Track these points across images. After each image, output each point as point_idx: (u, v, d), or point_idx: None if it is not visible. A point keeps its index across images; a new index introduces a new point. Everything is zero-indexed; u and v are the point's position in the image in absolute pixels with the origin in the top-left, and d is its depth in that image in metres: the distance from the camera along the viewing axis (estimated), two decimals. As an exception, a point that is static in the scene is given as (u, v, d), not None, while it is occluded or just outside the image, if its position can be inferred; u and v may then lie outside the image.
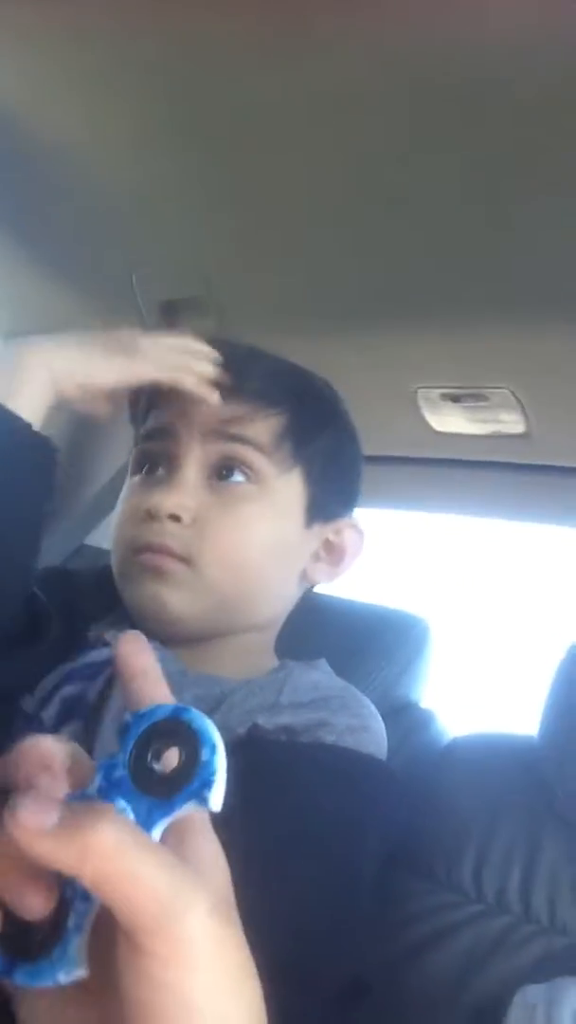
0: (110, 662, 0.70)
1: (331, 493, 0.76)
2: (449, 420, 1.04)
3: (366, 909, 0.59)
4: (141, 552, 0.70)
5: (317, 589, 1.00)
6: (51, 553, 0.79)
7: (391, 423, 1.07)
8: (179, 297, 1.00)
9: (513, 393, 0.96)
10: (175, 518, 0.69)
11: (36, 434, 0.65)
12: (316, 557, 0.77)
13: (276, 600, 0.76)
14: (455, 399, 1.00)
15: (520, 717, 0.80)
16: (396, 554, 1.28)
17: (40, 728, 0.67)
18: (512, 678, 1.25)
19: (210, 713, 0.63)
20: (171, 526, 0.69)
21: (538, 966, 0.57)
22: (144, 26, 0.68)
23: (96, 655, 0.71)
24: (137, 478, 0.75)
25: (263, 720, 0.62)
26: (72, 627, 0.73)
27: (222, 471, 0.71)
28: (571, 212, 0.74)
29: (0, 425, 0.63)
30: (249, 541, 0.71)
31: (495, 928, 0.62)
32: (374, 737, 0.66)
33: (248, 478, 0.71)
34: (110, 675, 0.68)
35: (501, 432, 1.02)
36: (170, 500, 0.69)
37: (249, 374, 0.72)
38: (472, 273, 0.84)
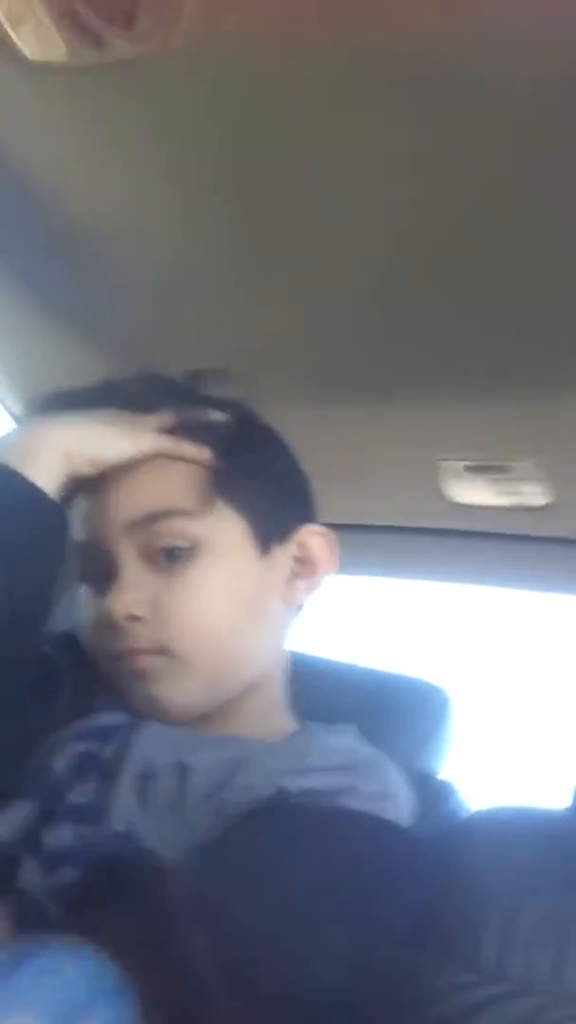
0: (123, 726, 0.70)
1: (273, 511, 0.74)
2: (470, 492, 1.04)
3: (382, 977, 0.57)
4: (118, 660, 0.69)
5: (337, 656, 0.99)
6: (62, 618, 0.79)
7: (411, 494, 1.07)
8: (203, 367, 1.02)
9: (537, 465, 0.96)
10: (133, 618, 0.68)
11: (51, 501, 0.66)
12: (291, 577, 0.75)
13: (268, 644, 0.75)
14: (478, 471, 1.01)
15: (540, 790, 0.78)
16: (416, 623, 1.28)
17: (52, 779, 0.67)
18: (533, 751, 1.23)
19: (231, 775, 0.62)
20: (133, 627, 0.68)
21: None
22: (193, 106, 0.71)
23: (108, 718, 0.71)
24: (85, 587, 0.74)
25: (288, 783, 0.61)
26: (83, 689, 0.73)
27: (158, 554, 0.70)
28: None
29: (16, 492, 0.64)
30: (212, 607, 0.70)
31: (520, 1010, 0.59)
32: (399, 805, 0.65)
33: (184, 547, 0.70)
34: (127, 737, 0.68)
35: (522, 504, 1.03)
36: (120, 603, 0.68)
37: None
38: (500, 346, 0.85)
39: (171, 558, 0.69)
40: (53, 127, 0.76)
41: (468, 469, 1.01)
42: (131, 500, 0.70)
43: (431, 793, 0.71)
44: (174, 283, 0.92)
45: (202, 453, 0.71)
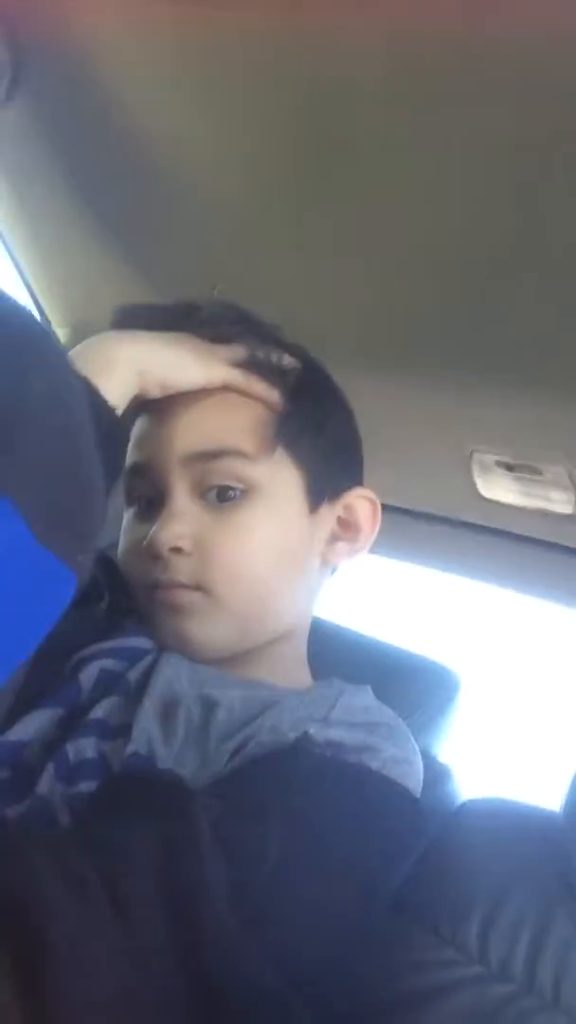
0: (150, 651, 0.71)
1: (330, 468, 0.74)
2: (498, 488, 1.04)
3: (373, 940, 0.58)
4: (153, 590, 0.70)
5: (354, 626, 0.99)
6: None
7: (440, 482, 1.07)
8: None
9: (569, 473, 0.96)
10: (177, 550, 0.68)
11: (117, 418, 0.64)
12: (332, 539, 0.75)
13: (301, 599, 0.75)
14: (509, 468, 1.00)
15: (536, 789, 0.79)
16: (435, 607, 1.28)
17: (77, 691, 0.67)
18: (534, 749, 1.24)
19: (257, 715, 0.62)
20: (175, 559, 0.68)
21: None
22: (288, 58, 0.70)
23: (137, 641, 0.71)
24: (131, 511, 0.74)
25: (314, 731, 0.61)
26: (115, 611, 0.73)
27: (211, 491, 0.69)
28: None
29: (89, 403, 0.63)
30: (257, 552, 0.70)
31: (497, 995, 0.61)
32: (415, 773, 0.66)
33: (238, 489, 0.69)
34: (153, 663, 0.69)
35: (548, 510, 1.03)
36: (166, 534, 0.68)
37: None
38: (547, 345, 0.85)
39: (223, 498, 0.69)
40: (147, 55, 0.75)
41: (498, 464, 1.01)
42: (193, 432, 0.69)
43: (430, 773, 0.72)
44: (236, 229, 0.92)
45: (272, 395, 0.70)
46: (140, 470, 0.72)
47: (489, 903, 0.65)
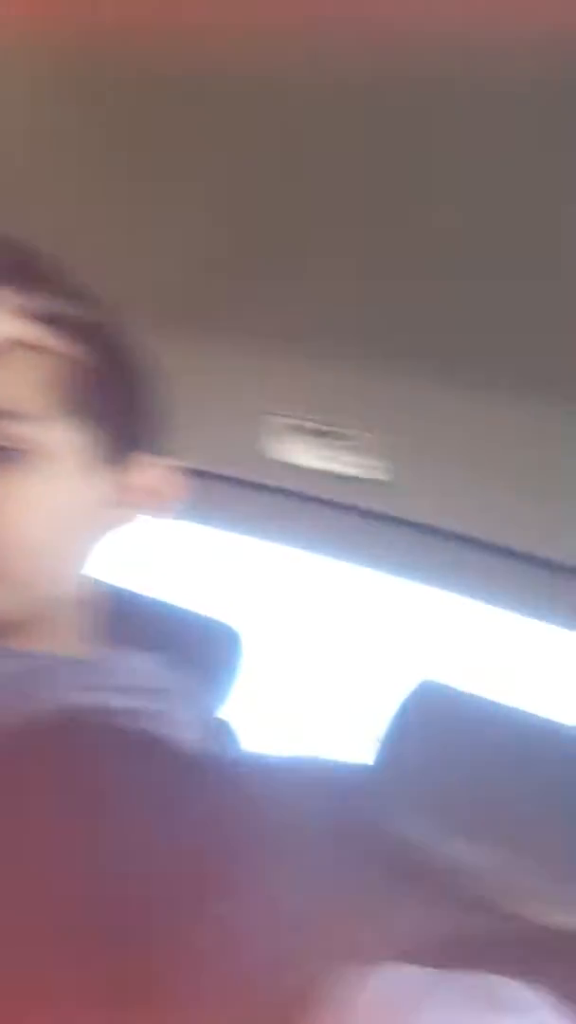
0: None
1: (124, 431, 0.69)
2: (293, 451, 1.05)
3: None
4: None
5: (134, 587, 0.97)
6: None
7: (233, 444, 1.07)
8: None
9: (359, 436, 0.97)
10: None
11: None
12: (125, 505, 0.70)
13: (79, 565, 0.71)
14: (303, 431, 1.01)
15: (318, 740, 0.80)
16: (220, 566, 1.28)
17: None
18: (331, 707, 1.26)
19: (32, 686, 0.58)
20: None
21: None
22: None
23: None
24: None
25: (91, 700, 0.58)
26: None
27: None
28: (443, 266, 0.76)
29: None
30: (34, 517, 0.64)
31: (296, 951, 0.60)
32: (199, 734, 0.64)
33: (15, 450, 0.63)
34: None
35: (338, 472, 1.04)
36: None
37: None
38: (340, 306, 0.86)
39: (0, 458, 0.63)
40: None
41: (292, 428, 1.02)
42: None
43: (209, 730, 0.71)
44: (21, 174, 0.87)
45: (68, 351, 0.65)
46: None
47: (287, 863, 0.64)
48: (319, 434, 1.01)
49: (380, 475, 1.02)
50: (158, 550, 1.22)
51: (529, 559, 1.00)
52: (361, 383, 0.93)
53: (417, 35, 0.61)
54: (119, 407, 0.69)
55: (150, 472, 0.72)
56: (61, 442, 0.65)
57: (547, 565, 0.99)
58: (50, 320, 0.65)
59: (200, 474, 1.10)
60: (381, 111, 0.68)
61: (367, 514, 1.08)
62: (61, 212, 0.89)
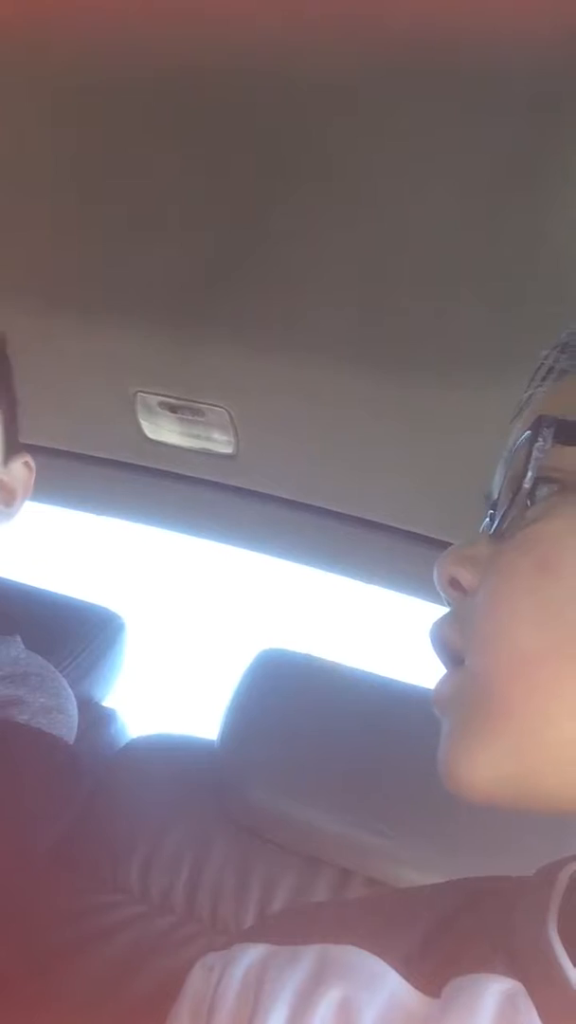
0: None
1: (12, 428, 0.72)
2: (163, 429, 1.04)
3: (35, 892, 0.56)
4: None
5: (9, 574, 0.94)
6: None
7: (106, 424, 1.05)
8: None
9: (228, 413, 0.97)
10: None
11: None
12: None
13: None
14: (172, 409, 1.00)
15: (204, 722, 0.81)
16: (96, 550, 1.26)
17: None
18: (200, 683, 1.27)
19: None
20: None
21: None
22: None
23: None
24: None
25: None
26: None
27: None
28: (300, 249, 0.77)
29: None
30: None
31: (158, 927, 0.61)
32: (68, 720, 0.64)
33: None
34: None
35: (211, 450, 1.04)
36: None
37: None
38: (199, 286, 0.85)
39: None
40: None
41: (162, 405, 1.01)
42: None
43: (92, 717, 0.71)
44: None
45: None
46: None
47: (150, 841, 0.65)
48: (173, 408, 1.01)
49: (228, 449, 1.02)
50: (35, 536, 1.19)
51: (371, 526, 1.02)
52: (215, 360, 0.94)
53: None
54: (8, 405, 0.69)
55: (15, 471, 0.72)
56: None
57: (389, 532, 1.01)
58: None
59: (74, 456, 1.08)
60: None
61: (216, 486, 1.08)
62: None
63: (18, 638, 0.69)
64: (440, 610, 0.40)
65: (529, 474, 0.36)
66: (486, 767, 0.34)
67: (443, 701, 0.37)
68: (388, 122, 0.63)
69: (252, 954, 0.40)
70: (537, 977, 0.35)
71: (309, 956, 0.38)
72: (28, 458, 0.73)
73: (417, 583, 1.05)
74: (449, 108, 0.61)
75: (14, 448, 0.72)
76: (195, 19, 0.61)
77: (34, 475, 0.74)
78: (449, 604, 0.39)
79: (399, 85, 0.61)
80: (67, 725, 0.64)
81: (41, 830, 0.59)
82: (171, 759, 0.74)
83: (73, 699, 0.66)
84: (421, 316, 0.80)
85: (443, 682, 0.38)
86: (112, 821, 0.68)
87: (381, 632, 1.20)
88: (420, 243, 0.75)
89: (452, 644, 0.37)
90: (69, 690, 0.66)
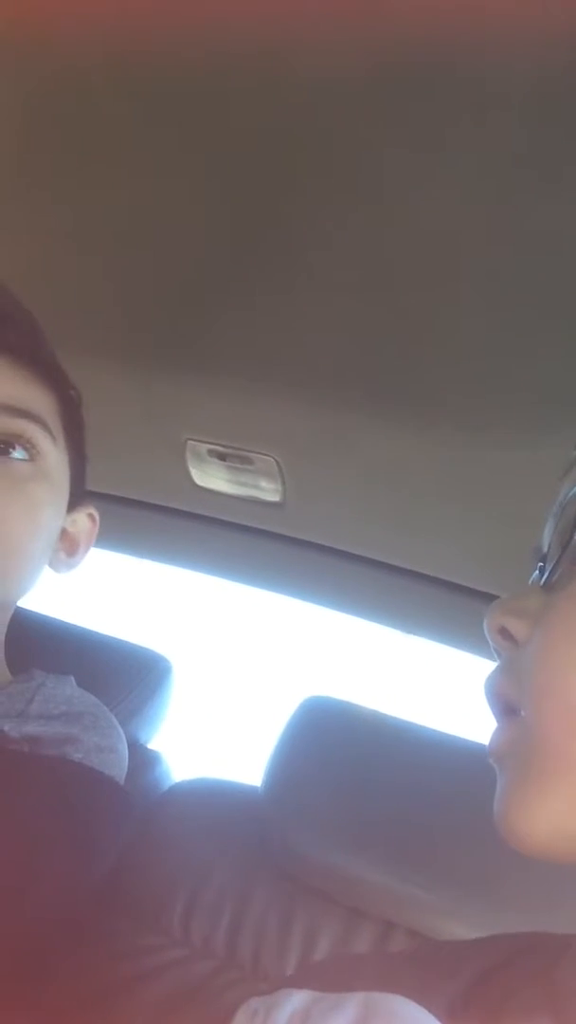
0: None
1: (81, 480, 0.75)
2: (212, 477, 1.06)
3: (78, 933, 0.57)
4: None
5: (62, 615, 0.96)
6: None
7: (155, 470, 1.07)
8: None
9: (276, 461, 0.99)
10: None
11: None
12: (57, 545, 0.74)
13: (26, 587, 0.72)
14: (221, 457, 1.02)
15: (247, 767, 0.81)
16: (145, 593, 1.28)
17: None
18: (244, 728, 1.27)
19: None
20: None
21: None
22: None
23: None
24: None
25: (9, 728, 0.59)
26: None
27: (2, 447, 0.66)
28: (336, 304, 0.79)
29: None
30: (36, 525, 0.67)
31: (200, 971, 0.62)
32: (119, 760, 0.65)
33: (30, 458, 0.67)
34: None
35: (258, 498, 1.06)
36: None
37: (24, 336, 0.70)
38: (251, 336, 0.88)
39: (12, 456, 0.66)
40: None
41: (211, 452, 1.03)
42: (5, 384, 0.67)
43: (138, 760, 0.72)
44: None
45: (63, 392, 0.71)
46: None
47: (192, 885, 0.66)
48: (221, 456, 1.03)
49: (275, 497, 1.04)
50: (87, 579, 1.21)
51: (417, 577, 1.03)
52: (259, 407, 0.96)
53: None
54: (80, 454, 0.73)
55: (81, 522, 0.75)
56: (59, 467, 0.69)
57: (435, 583, 1.02)
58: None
59: (123, 501, 1.11)
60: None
61: (263, 534, 1.10)
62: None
63: (71, 678, 0.70)
64: (481, 662, 0.41)
65: None
66: (544, 820, 0.35)
67: (499, 753, 0.38)
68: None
69: (296, 1000, 0.40)
70: None
71: (353, 1003, 0.39)
72: (92, 510, 0.76)
73: (461, 635, 1.05)
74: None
75: (79, 499, 0.75)
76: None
77: (97, 527, 0.77)
78: (498, 656, 0.40)
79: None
80: (119, 765, 0.65)
81: (93, 866, 0.60)
82: (215, 804, 0.74)
83: (124, 739, 0.67)
84: (467, 375, 0.81)
85: (499, 734, 0.38)
86: (155, 864, 0.68)
87: (425, 683, 1.20)
88: (472, 312, 0.77)
89: (506, 696, 0.38)
90: (120, 730, 0.67)
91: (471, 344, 0.80)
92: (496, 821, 0.36)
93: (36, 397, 0.69)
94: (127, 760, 0.67)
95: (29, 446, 0.67)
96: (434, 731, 0.78)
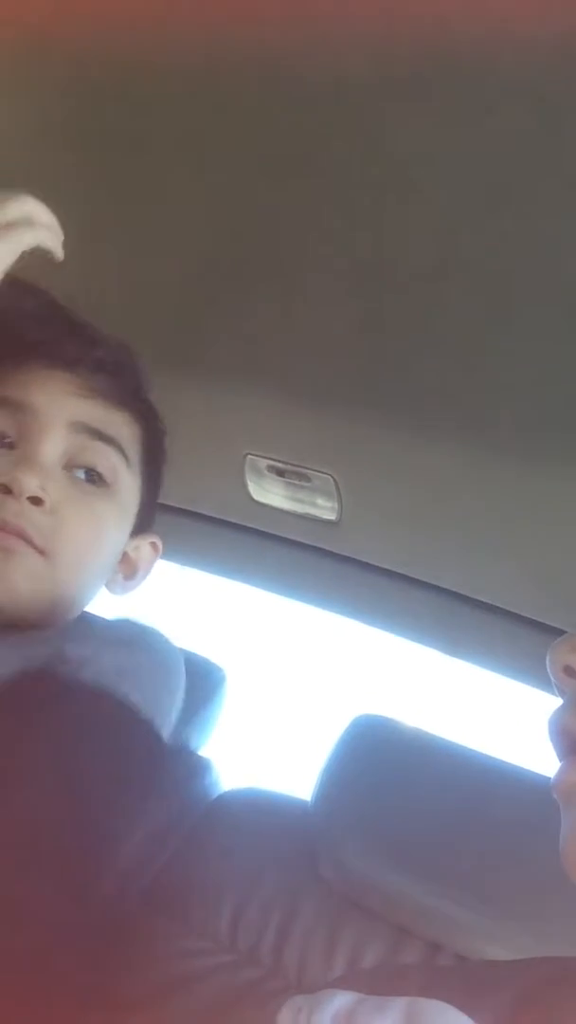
0: None
1: (151, 506, 0.78)
2: (269, 492, 1.07)
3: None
4: None
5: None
6: None
7: (214, 484, 1.09)
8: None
9: (334, 479, 1.00)
10: (36, 501, 0.66)
11: None
12: (117, 567, 0.78)
13: (83, 601, 0.76)
14: (280, 473, 1.04)
15: (296, 778, 0.82)
16: (203, 603, 1.29)
17: None
18: (295, 740, 1.28)
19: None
20: (30, 509, 0.66)
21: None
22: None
23: None
24: None
25: (69, 648, 0.63)
26: None
27: (80, 466, 0.70)
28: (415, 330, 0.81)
29: None
30: (101, 542, 0.71)
31: (245, 977, 0.62)
32: (176, 679, 0.69)
33: (105, 479, 0.71)
34: None
35: (314, 515, 1.07)
36: (33, 480, 0.66)
37: (113, 364, 0.74)
38: (318, 355, 0.89)
39: (90, 479, 0.70)
40: None
41: (270, 468, 1.04)
42: (90, 407, 0.71)
43: (190, 766, 0.73)
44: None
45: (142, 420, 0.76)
46: (16, 406, 0.70)
47: (240, 892, 0.67)
48: (280, 472, 1.04)
49: (331, 515, 1.05)
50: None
51: (473, 604, 1.03)
52: (320, 425, 0.97)
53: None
54: (157, 481, 0.78)
55: (143, 548, 0.78)
56: (130, 492, 0.74)
57: (492, 611, 1.02)
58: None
59: (181, 512, 1.12)
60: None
61: (318, 551, 1.11)
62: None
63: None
64: (531, 691, 0.41)
65: None
66: None
67: (566, 790, 0.38)
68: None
69: (340, 1000, 0.41)
70: None
71: (397, 1006, 0.39)
72: (156, 539, 0.79)
73: (513, 663, 1.04)
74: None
75: (145, 527, 0.78)
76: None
77: (159, 555, 0.80)
78: (560, 693, 0.40)
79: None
80: (176, 683, 0.69)
81: (135, 825, 0.62)
82: (264, 814, 0.75)
83: (180, 659, 0.70)
84: (527, 403, 0.82)
85: (564, 772, 0.38)
86: (205, 869, 0.69)
87: (477, 707, 1.19)
88: (529, 346, 0.78)
89: (573, 734, 0.38)
90: (176, 650, 0.71)
91: (532, 373, 0.80)
92: (562, 857, 0.36)
93: (119, 423, 0.73)
94: (183, 679, 0.70)
95: (104, 468, 0.71)
96: (486, 755, 0.78)
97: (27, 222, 0.65)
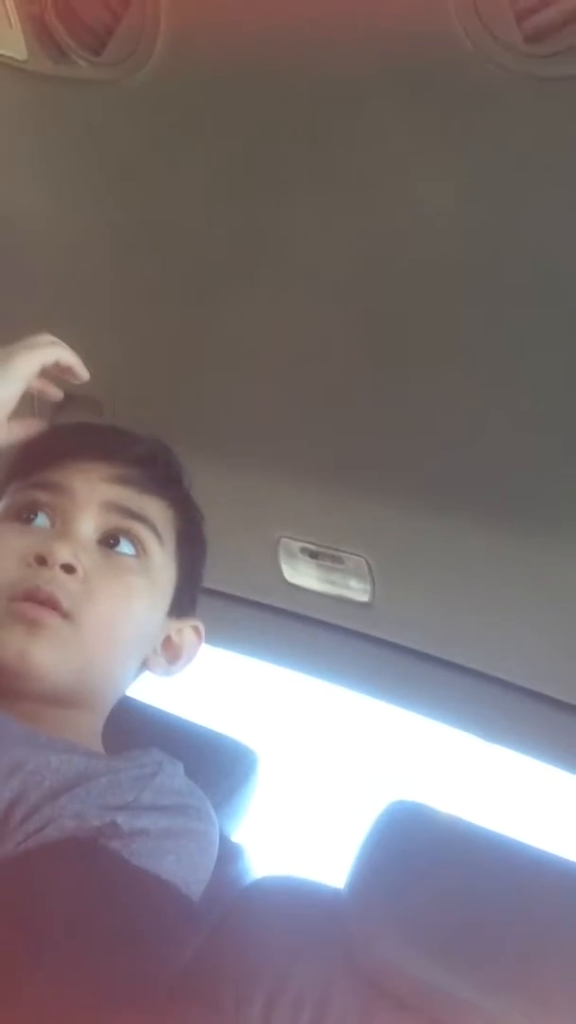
0: None
1: (190, 590, 0.80)
2: (302, 574, 1.08)
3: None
4: (20, 600, 0.68)
5: (151, 702, 0.99)
6: None
7: (248, 565, 1.10)
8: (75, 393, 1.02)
9: (366, 561, 1.01)
10: (69, 569, 0.69)
11: None
12: (156, 650, 0.79)
13: (123, 680, 0.77)
14: (313, 555, 1.04)
15: (329, 865, 0.80)
16: (236, 686, 1.28)
17: None
18: (329, 828, 1.25)
19: (67, 789, 0.60)
20: (63, 576, 0.69)
21: None
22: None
23: None
24: (15, 524, 0.75)
25: (122, 820, 0.60)
26: None
27: (112, 540, 0.73)
28: (442, 411, 0.84)
29: None
30: (130, 613, 0.73)
31: (278, 1072, 0.60)
32: (211, 851, 0.68)
33: (136, 554, 0.74)
34: None
35: (347, 597, 1.07)
36: (67, 550, 0.69)
37: (148, 456, 0.78)
38: (347, 438, 0.91)
39: (119, 550, 0.73)
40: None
41: (303, 551, 1.05)
42: (122, 488, 0.75)
43: (223, 851, 0.72)
44: (63, 304, 0.93)
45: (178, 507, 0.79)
46: (54, 487, 0.74)
47: (273, 982, 0.64)
48: (313, 555, 1.05)
49: (364, 597, 1.05)
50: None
51: (507, 687, 1.02)
52: (353, 507, 0.98)
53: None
54: (195, 562, 0.81)
55: (186, 633, 0.79)
56: (164, 570, 0.76)
57: (527, 695, 1.00)
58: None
59: (215, 594, 1.13)
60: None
61: (350, 633, 1.10)
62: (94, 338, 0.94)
63: (181, 765, 0.71)
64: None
65: None
66: None
67: None
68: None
69: None
70: None
71: None
72: (199, 623, 0.80)
73: (554, 751, 1.03)
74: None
75: (186, 610, 0.80)
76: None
77: (202, 641, 0.82)
78: None
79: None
80: (209, 855, 0.67)
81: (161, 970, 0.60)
82: (297, 903, 0.73)
83: (218, 832, 0.69)
84: (561, 484, 0.83)
85: None
86: (237, 957, 0.67)
87: (512, 794, 1.17)
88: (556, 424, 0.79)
89: None
90: (215, 818, 0.70)
91: (563, 453, 0.81)
92: None
93: (153, 507, 0.76)
94: (217, 848, 0.67)
95: (136, 541, 0.74)
96: (526, 844, 0.76)
97: (50, 343, 0.73)
